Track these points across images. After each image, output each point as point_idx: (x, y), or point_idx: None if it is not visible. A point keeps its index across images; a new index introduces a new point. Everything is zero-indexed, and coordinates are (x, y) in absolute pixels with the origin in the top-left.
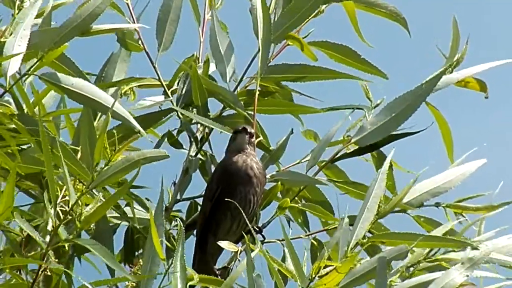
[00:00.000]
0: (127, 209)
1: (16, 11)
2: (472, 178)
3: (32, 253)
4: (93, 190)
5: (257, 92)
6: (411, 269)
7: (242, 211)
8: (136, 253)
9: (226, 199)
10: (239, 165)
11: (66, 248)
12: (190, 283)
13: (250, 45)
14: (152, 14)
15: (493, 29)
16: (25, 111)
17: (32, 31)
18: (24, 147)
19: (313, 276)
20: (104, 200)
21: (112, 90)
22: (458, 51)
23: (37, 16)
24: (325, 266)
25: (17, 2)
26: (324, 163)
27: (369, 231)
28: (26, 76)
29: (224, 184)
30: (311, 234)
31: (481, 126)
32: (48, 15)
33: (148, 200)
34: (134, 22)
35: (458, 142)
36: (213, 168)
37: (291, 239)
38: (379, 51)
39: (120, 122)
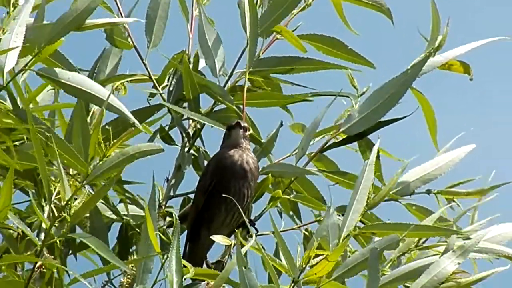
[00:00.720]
0: (120, 207)
1: (11, 9)
2: (462, 163)
3: (28, 253)
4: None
5: (246, 86)
6: (403, 257)
7: (237, 205)
8: (130, 250)
9: (220, 193)
10: (235, 159)
11: (58, 244)
12: (185, 276)
13: (241, 40)
14: (140, 11)
15: (474, 11)
16: (20, 107)
17: (28, 27)
18: (18, 143)
19: (304, 266)
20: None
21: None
22: (439, 34)
23: (32, 11)
24: (316, 256)
25: (12, 0)
26: (313, 154)
27: (360, 221)
28: (22, 72)
29: (219, 177)
30: (303, 226)
31: (467, 110)
32: (42, 10)
33: (140, 197)
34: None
35: (446, 127)
36: (205, 163)
37: (283, 231)
38: (366, 42)
39: (113, 118)
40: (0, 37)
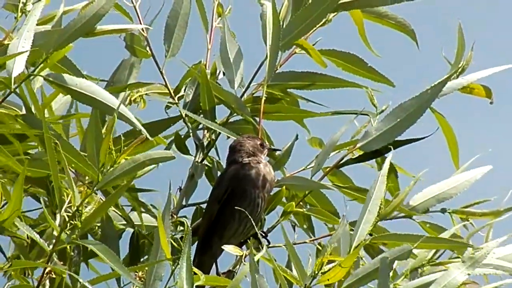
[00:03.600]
0: (133, 215)
1: (19, 14)
2: (478, 184)
3: (41, 260)
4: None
5: (264, 99)
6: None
7: (250, 214)
8: (142, 259)
9: (234, 201)
10: (254, 168)
11: (69, 250)
12: (196, 283)
13: (258, 51)
14: (160, 20)
15: (499, 34)
16: (34, 112)
17: (36, 32)
18: (30, 151)
19: (316, 272)
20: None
21: (120, 95)
22: (464, 57)
23: (47, 21)
24: (328, 263)
25: (20, 5)
26: (328, 169)
27: (371, 235)
28: (32, 77)
29: (235, 184)
30: (316, 239)
31: (486, 131)
32: (59, 21)
33: (153, 206)
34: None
35: (463, 147)
36: (219, 174)
37: (296, 244)
38: (386, 60)
39: (128, 130)
40: (8, 42)
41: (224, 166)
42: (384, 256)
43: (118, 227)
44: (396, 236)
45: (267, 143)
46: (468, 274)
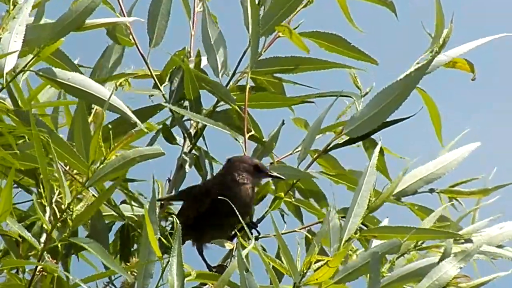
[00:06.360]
0: (122, 206)
1: (11, 7)
2: (466, 162)
3: (32, 252)
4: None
5: (248, 86)
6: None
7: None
8: (132, 249)
9: (212, 215)
10: (238, 193)
11: (59, 248)
12: (187, 279)
13: (245, 38)
14: (142, 8)
15: (476, 7)
16: (20, 105)
17: (28, 27)
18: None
19: (305, 271)
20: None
21: (106, 84)
22: (444, 30)
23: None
24: (317, 261)
25: None
26: (316, 154)
27: (362, 223)
28: (22, 73)
29: (213, 205)
30: (305, 227)
31: (469, 107)
32: (41, 9)
33: (141, 195)
34: (124, 16)
35: (449, 124)
36: (207, 163)
37: (285, 233)
38: (369, 40)
39: (116, 117)
40: (0, 36)
41: (214, 158)
42: (374, 250)
43: (109, 216)
44: (386, 228)
45: (267, 169)
46: (460, 268)
